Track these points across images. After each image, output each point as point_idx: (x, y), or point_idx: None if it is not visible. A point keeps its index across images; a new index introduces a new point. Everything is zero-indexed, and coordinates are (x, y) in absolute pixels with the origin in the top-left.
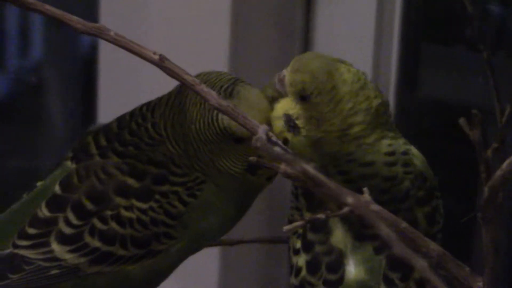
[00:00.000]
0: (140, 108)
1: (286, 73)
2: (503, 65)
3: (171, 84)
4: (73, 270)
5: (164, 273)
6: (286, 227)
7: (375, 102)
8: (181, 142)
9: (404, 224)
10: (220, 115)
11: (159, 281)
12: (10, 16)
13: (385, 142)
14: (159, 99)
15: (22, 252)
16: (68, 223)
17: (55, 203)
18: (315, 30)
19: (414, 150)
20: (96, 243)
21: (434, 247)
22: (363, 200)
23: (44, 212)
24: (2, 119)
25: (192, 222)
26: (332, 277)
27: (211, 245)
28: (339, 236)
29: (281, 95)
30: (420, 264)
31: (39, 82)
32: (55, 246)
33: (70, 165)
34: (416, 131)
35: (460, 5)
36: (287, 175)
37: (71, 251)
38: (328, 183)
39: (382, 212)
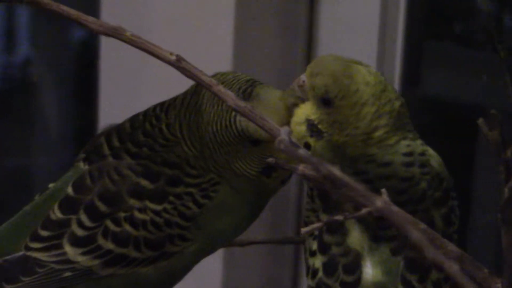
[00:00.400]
0: (154, 108)
1: (306, 77)
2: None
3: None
4: (86, 272)
5: (178, 275)
6: (304, 229)
7: (397, 104)
8: (197, 143)
9: (422, 225)
10: (238, 117)
11: (173, 283)
12: None
13: (404, 143)
14: (174, 100)
15: (34, 254)
16: (81, 225)
17: (68, 205)
18: (319, 28)
19: (431, 151)
20: (109, 245)
21: (452, 248)
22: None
23: (56, 214)
24: None
25: (206, 224)
26: (349, 278)
27: (223, 246)
28: (355, 237)
29: (301, 101)
30: (453, 267)
31: (28, 79)
32: (68, 249)
33: (82, 166)
34: (420, 129)
35: (464, 3)
36: (305, 177)
37: (84, 254)
38: (354, 185)
39: (401, 214)
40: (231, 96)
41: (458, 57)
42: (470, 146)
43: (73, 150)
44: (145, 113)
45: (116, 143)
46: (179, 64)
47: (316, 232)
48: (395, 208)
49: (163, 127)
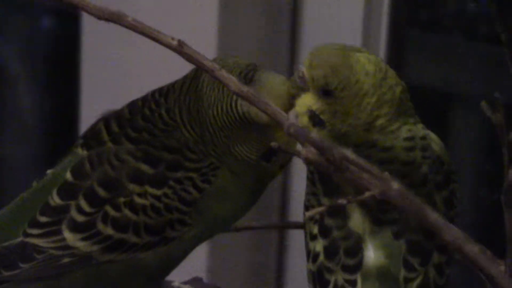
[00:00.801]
0: (153, 93)
1: (304, 68)
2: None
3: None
4: (86, 258)
5: (177, 260)
6: (308, 213)
7: (398, 91)
8: (197, 127)
9: (425, 208)
10: (239, 101)
11: (171, 268)
12: None
13: (405, 128)
14: (172, 85)
15: (33, 240)
16: (80, 210)
17: (67, 191)
18: (303, 15)
19: (432, 135)
20: (109, 230)
21: (455, 232)
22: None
23: (55, 200)
24: None
25: (206, 209)
26: (351, 262)
27: (222, 231)
28: (357, 221)
29: (302, 91)
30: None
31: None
32: (67, 234)
33: (81, 152)
34: None
35: None
36: (309, 161)
37: (83, 239)
38: (371, 168)
39: (403, 196)
40: (233, 80)
41: (442, 46)
42: (454, 135)
43: (51, 143)
44: (144, 99)
45: (115, 128)
46: (180, 49)
47: (317, 216)
48: (408, 192)
49: (163, 112)
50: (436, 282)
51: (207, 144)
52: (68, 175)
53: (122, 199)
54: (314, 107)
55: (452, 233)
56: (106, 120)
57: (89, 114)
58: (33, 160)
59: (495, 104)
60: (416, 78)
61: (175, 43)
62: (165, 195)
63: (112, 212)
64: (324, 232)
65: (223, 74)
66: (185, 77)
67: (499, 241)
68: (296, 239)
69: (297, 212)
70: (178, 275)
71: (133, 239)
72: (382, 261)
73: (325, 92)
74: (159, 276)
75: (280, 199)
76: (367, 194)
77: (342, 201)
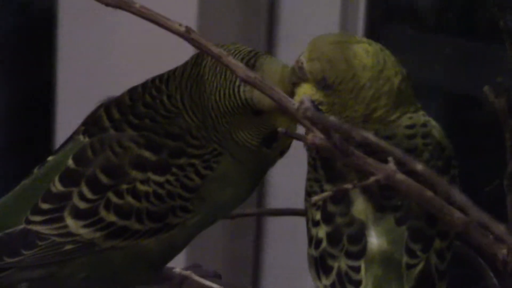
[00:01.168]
0: (152, 80)
1: (304, 59)
2: None
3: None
4: (88, 245)
5: (179, 247)
6: (315, 198)
7: (396, 81)
8: (199, 113)
9: (429, 193)
10: (241, 87)
11: (173, 255)
12: None
13: (406, 116)
14: (173, 72)
15: (35, 227)
16: (82, 197)
17: (69, 178)
18: (281, 8)
19: (432, 121)
20: (111, 217)
21: (459, 215)
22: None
23: (57, 186)
24: None
25: (208, 195)
26: (354, 248)
27: (223, 218)
28: (360, 207)
29: (302, 80)
30: (499, 228)
31: None
32: (70, 221)
33: (82, 139)
34: None
35: None
36: (315, 146)
37: (86, 226)
38: (393, 150)
39: (408, 182)
40: (240, 66)
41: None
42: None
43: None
44: (144, 85)
45: (116, 115)
46: (188, 35)
47: (320, 202)
48: (399, 175)
49: (164, 98)
50: (437, 267)
51: (209, 130)
52: (70, 162)
53: (124, 186)
54: (313, 98)
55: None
56: (106, 107)
57: (65, 98)
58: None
59: (498, 89)
60: None
61: (183, 29)
62: (168, 181)
63: (114, 199)
64: (327, 218)
65: (230, 60)
66: (186, 63)
67: None
68: (273, 227)
69: (274, 200)
70: None
71: (136, 225)
72: (385, 247)
73: (323, 85)
74: (161, 263)
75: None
76: (372, 179)
77: (347, 185)
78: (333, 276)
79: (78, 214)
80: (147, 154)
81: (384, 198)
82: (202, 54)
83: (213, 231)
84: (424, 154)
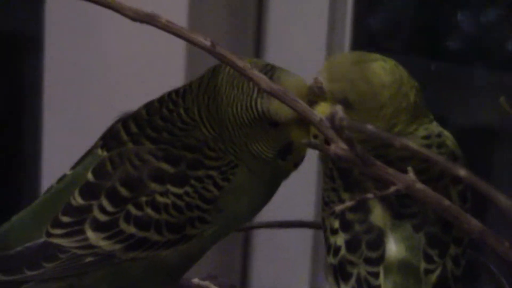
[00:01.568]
0: (169, 94)
1: (323, 79)
2: None
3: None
4: (108, 257)
5: (196, 258)
6: (337, 207)
7: (412, 96)
8: (216, 125)
9: (447, 202)
10: (259, 99)
11: (190, 266)
12: None
13: (422, 127)
14: (189, 85)
15: (56, 240)
16: (102, 210)
17: (89, 191)
18: (268, 20)
19: (446, 132)
20: (131, 229)
21: (475, 223)
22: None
23: (77, 200)
24: None
25: (225, 206)
26: (373, 254)
27: (238, 230)
28: (378, 215)
29: (320, 99)
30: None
31: None
32: (90, 234)
33: (101, 153)
34: None
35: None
36: (338, 157)
37: (106, 238)
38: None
39: (427, 191)
40: (264, 79)
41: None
42: None
43: None
44: (160, 99)
45: (134, 129)
46: (213, 49)
47: (336, 211)
48: (418, 185)
49: (181, 111)
50: (453, 273)
51: (225, 142)
52: (90, 176)
53: (144, 198)
54: None
55: (474, 223)
56: (124, 121)
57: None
58: None
59: None
60: None
61: (208, 43)
62: (186, 193)
63: (134, 211)
64: (346, 226)
65: (254, 73)
66: (202, 77)
67: None
68: (260, 239)
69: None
70: None
71: (155, 237)
72: (403, 254)
73: (343, 104)
74: (179, 273)
75: None
76: (392, 188)
77: (369, 195)
78: (352, 282)
79: (98, 227)
80: (165, 166)
81: (401, 206)
82: (218, 67)
83: None
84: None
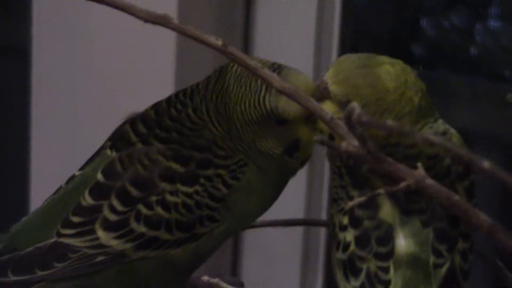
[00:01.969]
0: (176, 95)
1: (329, 81)
2: None
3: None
4: (119, 256)
5: (205, 256)
6: (349, 204)
7: (417, 99)
8: (225, 124)
9: (456, 197)
10: (267, 96)
11: (199, 264)
12: None
13: (427, 126)
14: (196, 86)
15: (67, 240)
16: (113, 210)
17: (99, 191)
18: (255, 26)
19: (452, 129)
20: (141, 228)
21: (484, 218)
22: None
23: (87, 200)
24: None
25: (234, 205)
26: (383, 250)
27: (247, 227)
28: (387, 211)
29: (325, 98)
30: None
31: None
32: (101, 233)
33: (110, 153)
34: None
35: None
36: (348, 153)
37: (116, 238)
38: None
39: (436, 186)
40: (276, 78)
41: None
42: None
43: None
44: (168, 100)
45: (142, 129)
46: (225, 49)
47: (347, 207)
48: (428, 180)
49: (190, 111)
50: (461, 267)
51: (234, 140)
52: (100, 176)
53: (154, 198)
54: (336, 116)
55: (483, 218)
56: (132, 122)
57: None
58: None
59: None
60: None
61: (220, 43)
62: (196, 192)
63: (144, 210)
64: (355, 222)
65: (266, 72)
66: (209, 77)
67: None
68: (250, 238)
69: None
70: None
71: (165, 236)
72: (412, 249)
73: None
74: (188, 272)
75: None
76: (403, 184)
77: (380, 191)
78: (362, 277)
79: (109, 226)
80: (175, 166)
81: (409, 201)
82: (225, 67)
83: None
84: (445, 160)
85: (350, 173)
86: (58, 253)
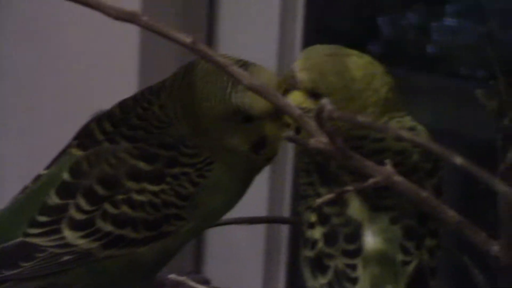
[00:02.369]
0: (143, 92)
1: (296, 68)
2: None
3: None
4: (85, 255)
5: (172, 254)
6: (318, 200)
7: (383, 91)
8: (191, 121)
9: (425, 193)
10: (233, 93)
11: (166, 262)
12: None
13: (394, 120)
14: (163, 83)
15: (33, 240)
16: (79, 209)
17: (65, 190)
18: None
19: (420, 126)
20: (108, 227)
21: (452, 214)
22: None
23: (54, 199)
24: None
25: (201, 203)
26: (351, 247)
27: (213, 226)
28: (356, 208)
29: (293, 88)
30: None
31: None
32: (67, 233)
33: (76, 152)
34: None
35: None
36: (317, 149)
37: (83, 237)
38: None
39: (405, 183)
40: (245, 75)
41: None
42: None
43: None
44: (135, 98)
45: (109, 128)
46: (194, 46)
47: (315, 205)
48: (396, 177)
49: (156, 109)
50: (429, 264)
51: (200, 137)
52: (66, 175)
53: (120, 196)
54: (303, 105)
55: (451, 214)
56: (98, 120)
57: None
58: None
59: (490, 91)
60: None
61: (189, 41)
62: (163, 191)
63: (111, 209)
64: (323, 219)
65: (235, 69)
66: (175, 74)
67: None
68: (213, 237)
69: None
70: None
71: (132, 234)
72: (381, 246)
73: (313, 94)
74: (155, 270)
75: None
76: (371, 181)
77: (348, 188)
78: (330, 274)
79: (75, 225)
80: (142, 164)
81: (378, 198)
82: (191, 64)
83: None
84: (413, 156)
85: (318, 170)
86: (25, 252)
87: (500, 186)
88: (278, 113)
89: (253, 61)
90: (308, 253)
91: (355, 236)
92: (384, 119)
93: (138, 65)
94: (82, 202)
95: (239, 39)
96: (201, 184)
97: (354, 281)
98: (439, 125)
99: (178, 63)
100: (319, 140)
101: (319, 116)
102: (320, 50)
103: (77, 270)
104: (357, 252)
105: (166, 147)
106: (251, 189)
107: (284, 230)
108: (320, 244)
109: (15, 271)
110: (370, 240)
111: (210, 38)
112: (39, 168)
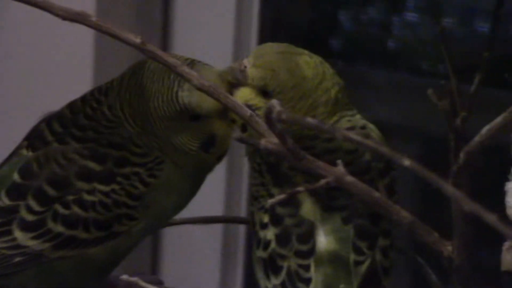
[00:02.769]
0: (91, 93)
1: (248, 64)
2: None
3: None
4: (37, 256)
5: (124, 254)
6: (270, 201)
7: (333, 91)
8: (139, 120)
9: (377, 194)
10: (179, 92)
11: (119, 262)
12: None
13: (345, 119)
14: (111, 83)
15: None
16: (30, 210)
17: (16, 191)
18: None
19: (370, 124)
20: (59, 228)
21: (405, 214)
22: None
23: (4, 201)
24: None
25: (152, 202)
26: (304, 247)
27: (165, 225)
28: (308, 208)
29: (241, 83)
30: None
31: None
32: (18, 234)
33: (26, 153)
34: None
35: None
36: (267, 150)
37: (34, 238)
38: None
39: (356, 183)
40: (195, 75)
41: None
42: None
43: None
44: (83, 98)
45: (58, 129)
46: (143, 47)
47: (267, 205)
48: (348, 178)
49: (105, 109)
50: (382, 264)
51: (149, 136)
52: (16, 176)
53: (71, 197)
54: (251, 102)
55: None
56: (47, 121)
57: None
58: None
59: (441, 91)
60: None
61: (138, 41)
62: (113, 191)
63: (61, 210)
64: (276, 220)
65: (185, 69)
66: (124, 74)
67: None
68: (170, 237)
69: None
70: None
71: (83, 235)
72: (333, 246)
73: (263, 92)
74: (107, 270)
75: None
76: (323, 181)
77: (300, 188)
78: (283, 275)
79: (26, 227)
80: (91, 165)
81: (330, 198)
82: (139, 64)
83: None
84: (365, 155)
85: (270, 170)
86: None
87: (449, 188)
88: (226, 111)
89: (206, 61)
90: (261, 253)
91: (308, 236)
92: (335, 119)
93: (93, 65)
94: (33, 203)
95: (194, 38)
96: (152, 183)
97: (307, 281)
98: (400, 121)
99: (134, 62)
100: (270, 141)
101: (268, 117)
102: (271, 48)
103: (28, 272)
104: (310, 252)
105: (115, 147)
106: (208, 189)
107: (241, 230)
108: (273, 245)
109: None
110: (323, 240)
111: (165, 38)
112: None
